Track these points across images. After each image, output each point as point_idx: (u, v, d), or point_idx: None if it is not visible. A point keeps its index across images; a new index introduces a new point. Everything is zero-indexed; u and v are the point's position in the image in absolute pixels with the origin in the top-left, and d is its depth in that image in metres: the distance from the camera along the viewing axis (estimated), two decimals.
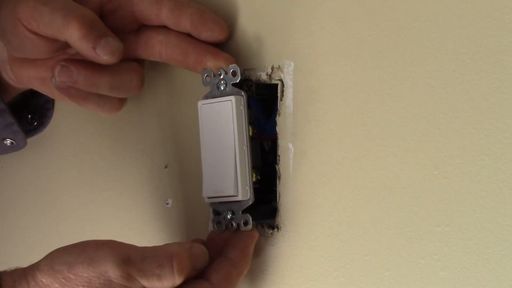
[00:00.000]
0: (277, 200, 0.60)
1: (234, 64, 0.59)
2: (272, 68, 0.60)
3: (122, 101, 0.63)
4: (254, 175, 0.60)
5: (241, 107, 0.58)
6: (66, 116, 0.73)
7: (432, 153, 0.52)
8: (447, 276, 0.52)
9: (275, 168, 0.60)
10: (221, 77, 0.59)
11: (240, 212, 0.59)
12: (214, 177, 0.59)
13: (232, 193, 0.58)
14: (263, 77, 0.60)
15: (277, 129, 0.60)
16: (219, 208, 0.60)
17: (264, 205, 0.63)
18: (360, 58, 0.55)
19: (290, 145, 0.59)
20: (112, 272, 0.53)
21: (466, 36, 0.51)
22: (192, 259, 0.55)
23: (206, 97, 0.60)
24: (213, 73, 0.59)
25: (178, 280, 0.54)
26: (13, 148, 0.68)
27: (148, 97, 0.67)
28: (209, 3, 0.62)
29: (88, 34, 0.56)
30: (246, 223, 0.59)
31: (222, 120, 0.59)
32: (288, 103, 0.59)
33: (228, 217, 0.59)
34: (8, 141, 0.67)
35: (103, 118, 0.70)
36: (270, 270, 0.61)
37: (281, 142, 0.59)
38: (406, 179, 0.54)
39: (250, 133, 0.59)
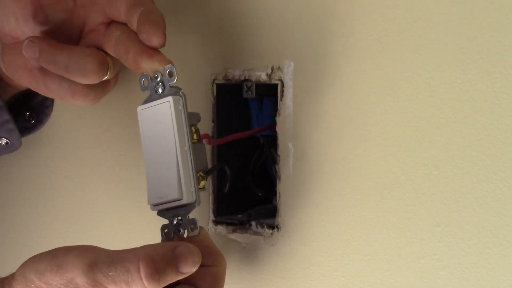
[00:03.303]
0: (277, 200, 0.60)
1: (170, 65, 0.56)
2: (272, 68, 0.60)
3: (89, 89, 0.62)
4: (201, 179, 0.57)
5: (180, 107, 0.56)
6: (65, 117, 0.73)
7: (432, 153, 0.52)
8: (447, 276, 0.52)
9: (275, 168, 0.60)
10: (158, 79, 0.57)
11: (188, 217, 0.56)
12: (158, 183, 0.57)
13: (176, 197, 0.56)
14: (263, 77, 0.60)
15: (277, 129, 0.60)
16: (166, 215, 0.57)
17: (264, 205, 0.63)
18: (360, 58, 0.55)
19: (290, 145, 0.59)
20: (79, 279, 0.51)
21: (466, 36, 0.51)
22: (173, 261, 0.53)
23: (145, 102, 0.58)
24: (150, 76, 0.57)
25: (150, 286, 0.51)
26: (8, 148, 0.67)
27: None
28: (209, 4, 0.62)
29: None
30: (193, 228, 0.56)
31: (162, 122, 0.56)
32: (288, 103, 0.59)
33: (175, 223, 0.57)
34: (3, 141, 0.67)
35: (102, 118, 0.70)
36: (270, 270, 0.61)
37: (281, 142, 0.59)
38: (406, 179, 0.54)
39: (195, 136, 0.57)
